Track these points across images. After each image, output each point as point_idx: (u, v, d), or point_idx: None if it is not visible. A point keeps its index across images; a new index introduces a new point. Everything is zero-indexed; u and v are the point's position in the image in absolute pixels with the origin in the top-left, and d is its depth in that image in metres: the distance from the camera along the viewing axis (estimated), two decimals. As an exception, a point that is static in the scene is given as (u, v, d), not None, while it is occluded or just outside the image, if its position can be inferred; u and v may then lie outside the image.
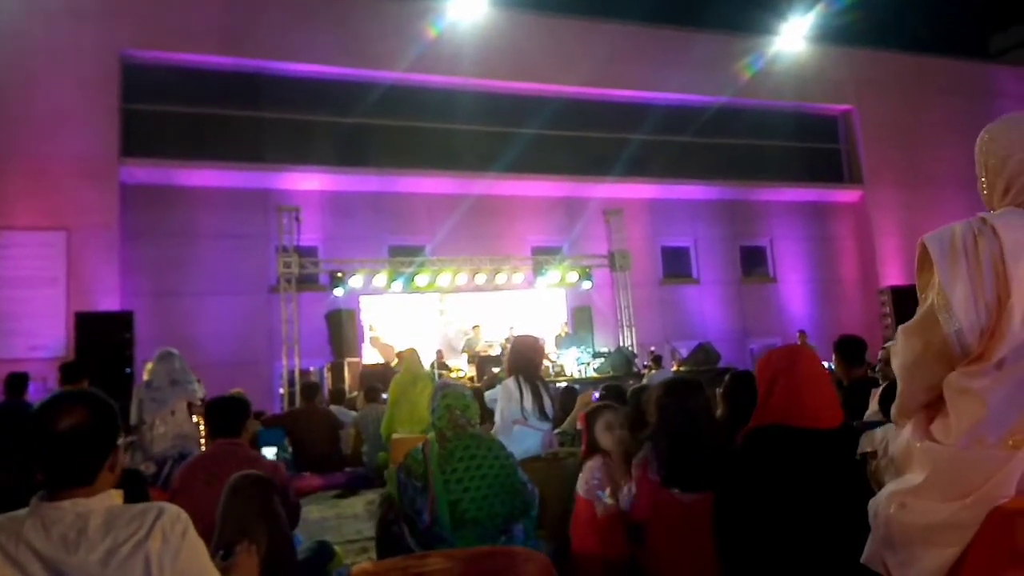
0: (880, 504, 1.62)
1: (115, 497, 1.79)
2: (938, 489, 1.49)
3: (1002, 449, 1.44)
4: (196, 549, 1.80)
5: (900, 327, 1.67)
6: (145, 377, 7.12)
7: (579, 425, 3.44)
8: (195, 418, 6.00)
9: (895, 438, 1.81)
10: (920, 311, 1.59)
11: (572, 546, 3.31)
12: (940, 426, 1.56)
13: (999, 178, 1.59)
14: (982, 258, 1.48)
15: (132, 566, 1.68)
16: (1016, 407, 1.45)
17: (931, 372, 1.56)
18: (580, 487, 3.30)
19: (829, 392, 2.50)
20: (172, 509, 1.78)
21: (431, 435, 3.40)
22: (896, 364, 1.68)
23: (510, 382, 4.74)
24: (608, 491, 3.20)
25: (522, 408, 4.61)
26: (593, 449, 3.39)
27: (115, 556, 1.67)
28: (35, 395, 7.67)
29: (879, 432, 2.27)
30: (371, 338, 13.05)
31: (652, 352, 12.05)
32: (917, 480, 1.54)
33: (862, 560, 1.69)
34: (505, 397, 4.63)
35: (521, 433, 4.51)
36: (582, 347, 12.58)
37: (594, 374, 11.45)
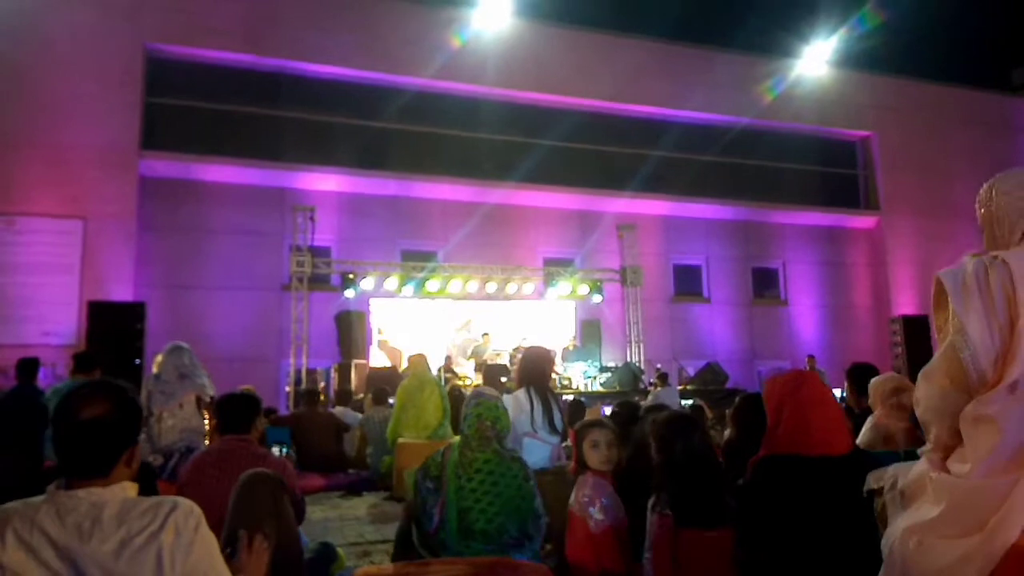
0: (896, 541, 1.60)
1: (130, 489, 1.80)
2: (954, 522, 1.48)
3: (1016, 472, 1.43)
4: (208, 544, 1.81)
5: (921, 372, 1.67)
6: (154, 370, 7.12)
7: (568, 442, 3.41)
8: (204, 413, 6.00)
9: (905, 474, 1.77)
10: (939, 351, 1.61)
11: (568, 560, 3.30)
12: (956, 458, 1.56)
13: (1017, 226, 1.63)
14: (993, 287, 1.52)
15: (144, 558, 1.69)
16: None
17: (958, 411, 1.55)
18: (572, 503, 3.29)
19: (836, 416, 2.49)
20: (185, 503, 1.80)
21: (456, 440, 3.38)
22: (920, 411, 1.68)
23: (520, 393, 4.71)
24: (599, 507, 3.19)
25: (532, 420, 4.58)
26: (583, 466, 3.39)
27: (128, 547, 1.69)
28: (44, 381, 7.71)
29: (890, 469, 2.25)
30: (379, 341, 13.06)
31: (658, 370, 12.02)
32: (932, 514, 1.53)
33: None
34: (516, 408, 4.56)
35: (531, 445, 4.47)
36: (589, 361, 12.56)
37: (600, 388, 11.43)
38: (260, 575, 2.22)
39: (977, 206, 1.73)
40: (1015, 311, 1.50)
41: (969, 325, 1.52)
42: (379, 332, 13.17)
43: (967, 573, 1.43)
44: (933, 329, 1.68)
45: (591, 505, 3.20)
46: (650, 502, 3.00)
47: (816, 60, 17.04)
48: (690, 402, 7.90)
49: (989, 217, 1.70)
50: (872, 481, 2.15)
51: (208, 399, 6.10)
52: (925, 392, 1.65)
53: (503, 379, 10.17)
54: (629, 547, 3.17)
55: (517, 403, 4.65)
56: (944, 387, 1.59)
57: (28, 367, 7.03)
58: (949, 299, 1.57)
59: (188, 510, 1.78)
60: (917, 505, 1.62)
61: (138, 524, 1.71)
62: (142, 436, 5.88)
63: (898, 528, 1.62)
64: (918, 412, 1.71)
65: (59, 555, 1.66)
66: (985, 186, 1.72)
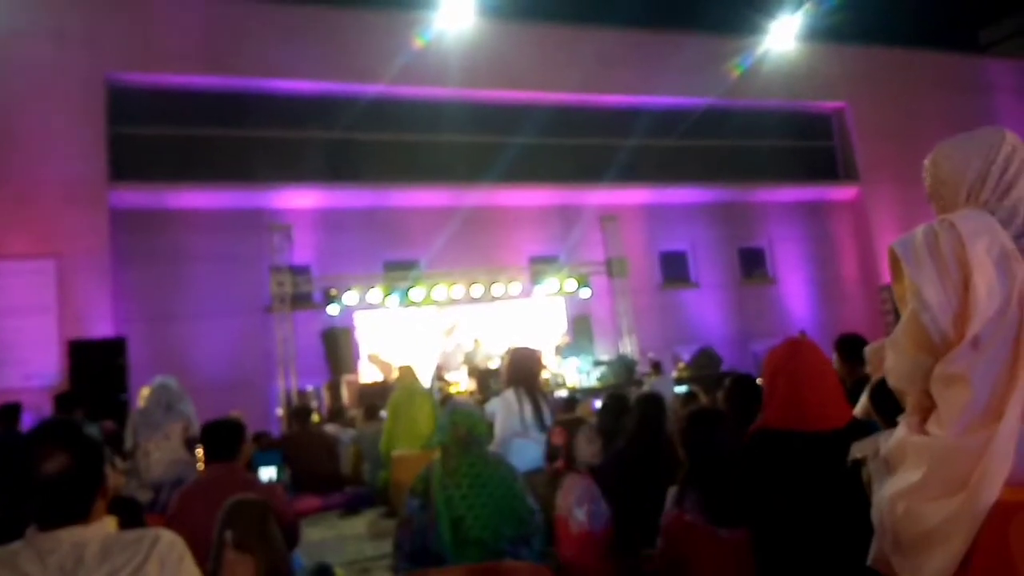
0: (884, 508, 1.62)
1: (110, 525, 1.82)
2: (937, 484, 1.51)
3: (990, 426, 1.46)
4: (193, 574, 1.82)
5: (887, 342, 1.74)
6: (140, 404, 7.07)
7: (556, 440, 3.39)
8: (198, 449, 5.91)
9: (886, 441, 1.80)
10: (902, 319, 1.65)
11: (560, 561, 3.29)
12: (933, 421, 1.59)
13: (959, 190, 1.69)
14: (944, 249, 1.57)
15: None
16: (998, 379, 1.48)
17: (928, 375, 1.60)
18: (560, 506, 3.26)
19: (833, 387, 2.47)
20: (168, 535, 1.80)
21: (436, 455, 3.37)
22: (892, 380, 1.73)
23: (509, 394, 4.72)
24: (585, 510, 3.17)
25: (522, 420, 4.60)
26: (572, 464, 3.37)
27: None
28: (29, 425, 7.59)
29: (871, 438, 2.20)
30: (369, 355, 12.93)
31: (651, 358, 11.97)
32: (915, 478, 1.55)
33: (868, 562, 1.72)
34: (504, 409, 4.62)
35: (522, 446, 4.47)
36: (582, 356, 12.50)
37: (595, 383, 11.39)
38: None
39: (924, 176, 1.79)
40: (967, 270, 1.54)
41: (924, 288, 1.57)
42: (369, 347, 13.03)
43: (955, 533, 1.45)
44: (900, 306, 1.72)
45: (578, 506, 3.18)
46: (671, 498, 2.94)
47: (784, 35, 17.05)
48: (684, 389, 7.84)
49: (935, 185, 1.76)
50: (856, 451, 2.16)
51: (192, 434, 6.04)
52: (894, 360, 1.69)
53: (495, 384, 10.11)
54: (613, 546, 3.15)
55: (506, 404, 4.67)
56: (911, 353, 1.63)
57: (8, 413, 6.94)
58: (903, 267, 1.63)
59: (171, 542, 1.79)
60: (901, 471, 1.64)
61: (121, 559, 1.71)
62: (130, 468, 5.76)
63: (885, 495, 1.64)
64: (890, 381, 1.75)
65: None
66: (928, 156, 1.79)
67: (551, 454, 3.41)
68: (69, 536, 1.73)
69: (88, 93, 12.12)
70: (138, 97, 12.85)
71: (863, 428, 2.45)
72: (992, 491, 1.42)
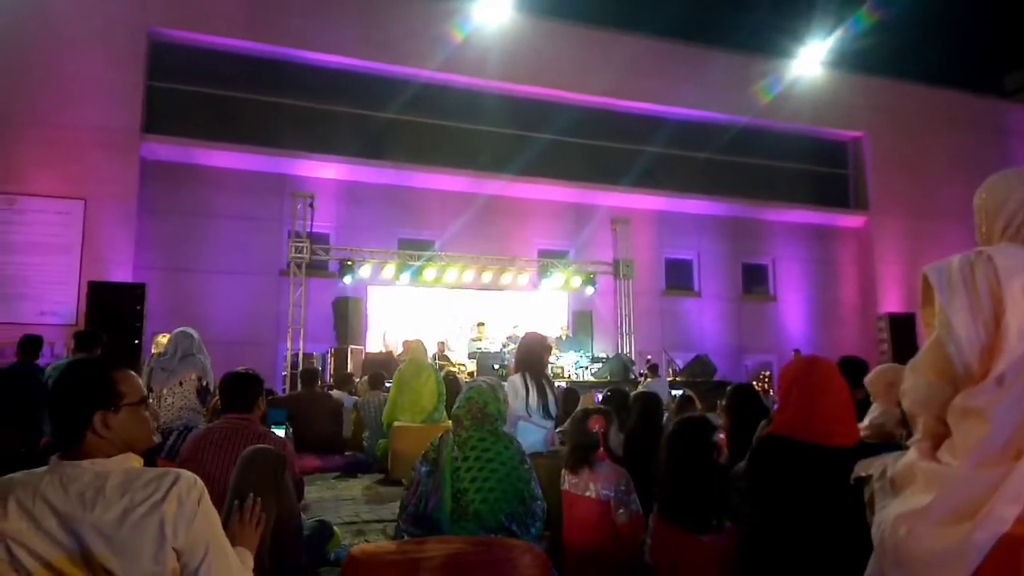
0: (886, 528, 1.60)
1: (134, 460, 1.82)
2: (945, 510, 1.49)
3: (1006, 463, 1.44)
4: (209, 516, 1.82)
5: (908, 365, 1.71)
6: (154, 350, 7.17)
7: (596, 427, 3.38)
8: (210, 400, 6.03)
9: (894, 463, 1.78)
10: (926, 344, 1.63)
11: (565, 542, 3.34)
12: (946, 449, 1.57)
13: (998, 218, 1.67)
14: (979, 282, 1.53)
15: (146, 527, 1.70)
16: (1019, 419, 1.46)
17: (944, 403, 1.57)
18: (593, 490, 3.29)
19: (845, 406, 2.45)
20: (188, 476, 1.80)
21: (449, 424, 3.43)
22: (907, 403, 1.70)
23: (516, 378, 4.75)
24: (633, 497, 3.24)
25: (527, 405, 4.64)
26: (611, 453, 3.39)
27: (130, 516, 1.70)
28: (43, 360, 7.77)
29: (879, 458, 2.24)
30: (384, 334, 13.18)
31: (648, 361, 12.21)
32: (923, 502, 1.53)
33: None
34: (512, 393, 4.59)
35: (525, 429, 4.54)
36: (581, 351, 12.72)
37: (592, 378, 11.57)
38: (255, 543, 2.23)
39: (976, 211, 1.78)
40: (1000, 306, 1.50)
41: (955, 319, 1.53)
42: (384, 330, 13.26)
43: (958, 560, 1.44)
44: (920, 324, 1.73)
45: (628, 494, 3.24)
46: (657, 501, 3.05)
47: (811, 60, 17.20)
48: (680, 392, 8.06)
49: (979, 215, 1.73)
50: (861, 469, 2.12)
51: (206, 384, 6.10)
52: (912, 384, 1.67)
53: (496, 367, 10.38)
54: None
55: (513, 387, 4.67)
56: (930, 379, 1.61)
57: (31, 344, 7.02)
58: (935, 294, 1.58)
59: (191, 482, 1.79)
60: (907, 493, 1.63)
61: (141, 494, 1.72)
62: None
63: (889, 516, 1.62)
64: (905, 404, 1.73)
65: (61, 523, 1.68)
66: (982, 187, 1.78)
67: (590, 441, 3.40)
68: (92, 466, 1.75)
69: (130, 44, 12.37)
70: (178, 54, 13.09)
71: (869, 449, 2.43)
72: (1004, 523, 1.40)
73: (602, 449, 3.36)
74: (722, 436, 2.99)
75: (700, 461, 2.93)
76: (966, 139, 18.36)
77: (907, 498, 1.60)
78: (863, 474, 2.12)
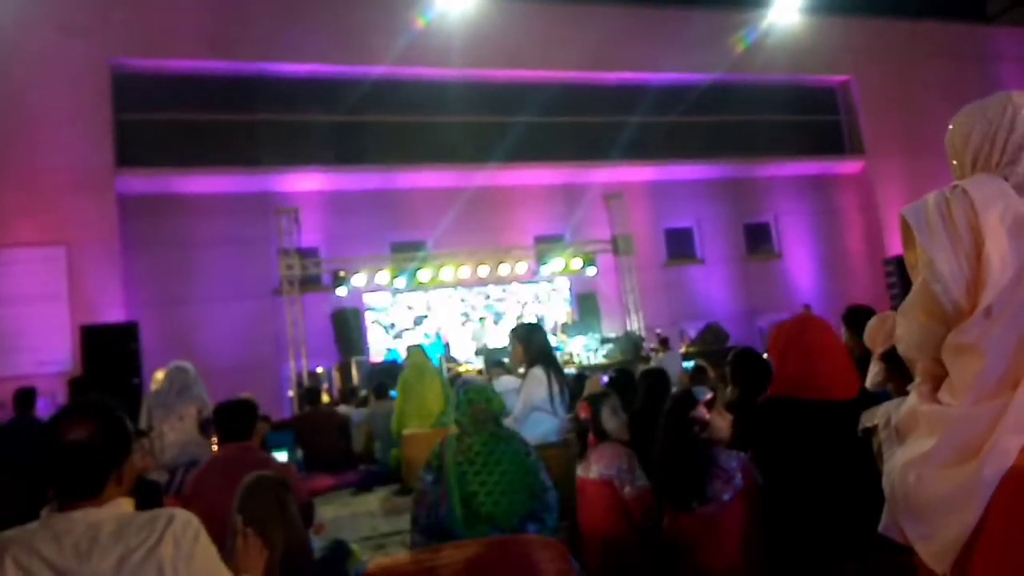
0: (895, 476, 1.61)
1: (125, 505, 1.81)
2: (949, 452, 1.49)
3: (1004, 395, 1.44)
4: (208, 553, 1.81)
5: (899, 310, 1.71)
6: (153, 387, 7.11)
7: (583, 414, 3.39)
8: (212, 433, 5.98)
9: (897, 411, 1.80)
10: (914, 288, 1.63)
11: (581, 529, 3.32)
12: (945, 389, 1.57)
13: (966, 154, 1.67)
14: (956, 217, 1.54)
15: (145, 572, 1.69)
16: (1012, 349, 1.46)
17: (938, 344, 1.58)
18: (595, 473, 3.27)
19: (843, 360, 2.50)
20: (182, 514, 1.80)
21: (452, 428, 3.41)
22: (903, 348, 1.72)
23: (538, 371, 4.66)
24: (638, 474, 3.23)
25: (550, 396, 4.56)
26: (602, 436, 3.37)
27: (127, 563, 1.69)
28: (44, 411, 7.70)
29: (882, 407, 2.24)
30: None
31: (659, 335, 12.03)
32: (927, 446, 1.53)
33: (879, 530, 1.71)
34: (535, 384, 4.57)
35: (537, 418, 4.48)
36: (589, 334, 12.57)
37: (603, 360, 11.45)
38: (259, 569, 2.20)
39: (946, 146, 1.78)
40: (979, 238, 1.51)
41: (936, 257, 1.54)
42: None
43: (968, 500, 1.43)
44: (912, 274, 1.68)
45: (630, 472, 3.22)
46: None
47: (788, 7, 16.93)
48: (692, 364, 7.88)
49: (950, 154, 1.74)
50: (866, 420, 2.15)
51: (206, 416, 6.06)
52: (905, 329, 1.68)
53: (505, 360, 10.18)
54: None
55: (536, 379, 4.62)
56: (921, 322, 1.61)
57: (25, 398, 7.04)
58: (915, 235, 1.59)
59: (186, 521, 1.78)
60: (912, 439, 1.62)
61: (136, 539, 1.71)
62: (137, 454, 5.86)
63: (896, 464, 1.62)
64: (900, 349, 1.74)
65: None
66: (949, 126, 1.77)
67: (580, 429, 3.43)
68: (84, 517, 1.74)
69: (93, 80, 12.17)
70: (142, 83, 12.89)
71: (873, 399, 2.48)
72: (1007, 458, 1.40)
73: (591, 435, 3.38)
74: (703, 409, 2.95)
75: (678, 438, 2.94)
76: (954, 69, 18.11)
77: (912, 444, 1.61)
78: (869, 424, 2.18)
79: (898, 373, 2.64)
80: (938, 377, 1.62)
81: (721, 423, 2.96)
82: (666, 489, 2.96)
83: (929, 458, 1.52)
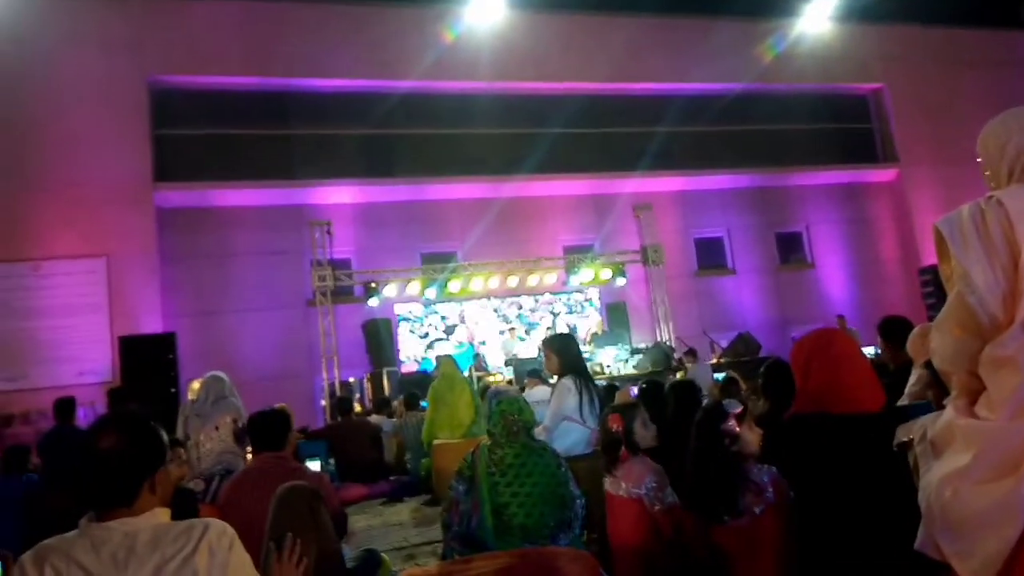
0: (932, 492, 1.58)
1: (162, 515, 1.82)
2: (987, 467, 1.46)
3: None
4: (243, 562, 1.82)
5: (933, 323, 1.68)
6: (189, 396, 7.21)
7: (614, 426, 3.32)
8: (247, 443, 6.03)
9: (933, 425, 1.74)
10: (948, 300, 1.60)
11: (611, 542, 3.29)
12: (983, 404, 1.54)
13: (1002, 164, 1.63)
14: (991, 228, 1.51)
15: None
16: None
17: (974, 357, 1.54)
18: (624, 490, 3.23)
19: (867, 372, 2.45)
20: (217, 524, 1.81)
21: (484, 440, 3.41)
22: (938, 362, 1.68)
23: (568, 381, 4.68)
24: (669, 490, 3.18)
25: (581, 406, 4.57)
26: (634, 449, 3.33)
27: (164, 572, 1.70)
28: (84, 420, 7.83)
29: (918, 421, 2.20)
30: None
31: (684, 346, 11.92)
32: (964, 461, 1.50)
33: (916, 546, 1.67)
34: (565, 394, 4.59)
35: (566, 428, 4.51)
36: (619, 344, 12.52)
37: (632, 371, 11.39)
38: None
39: (979, 149, 1.74)
40: (1016, 249, 1.48)
41: (972, 269, 1.51)
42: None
43: (1008, 515, 1.41)
44: (947, 287, 1.65)
45: (660, 489, 3.18)
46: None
47: (818, 15, 16.77)
48: (723, 375, 7.82)
49: (984, 163, 1.71)
50: (901, 434, 2.12)
51: (242, 425, 6.12)
52: (939, 342, 1.64)
53: (536, 371, 10.19)
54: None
55: (566, 390, 4.64)
56: (956, 335, 1.58)
57: (65, 407, 7.14)
58: (949, 246, 1.56)
59: (220, 530, 1.80)
60: (948, 454, 1.59)
61: (172, 549, 1.73)
62: (173, 463, 5.94)
63: (933, 479, 1.60)
64: (936, 363, 1.70)
65: None
66: (980, 133, 1.73)
67: (611, 441, 3.36)
68: (121, 526, 1.76)
69: (132, 96, 12.47)
70: (180, 99, 13.18)
71: (898, 412, 2.45)
72: None
73: (624, 448, 3.31)
74: (733, 422, 2.89)
75: (708, 450, 2.88)
76: (988, 77, 17.75)
77: (948, 459, 1.58)
78: (904, 439, 2.15)
79: (941, 382, 2.60)
80: (974, 391, 1.58)
81: (751, 437, 2.92)
82: (697, 501, 2.92)
83: (966, 473, 1.49)
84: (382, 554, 4.04)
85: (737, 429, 2.89)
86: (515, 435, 3.29)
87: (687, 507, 2.97)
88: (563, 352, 4.83)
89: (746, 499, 2.75)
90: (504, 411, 3.32)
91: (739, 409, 2.94)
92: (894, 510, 2.03)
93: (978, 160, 1.74)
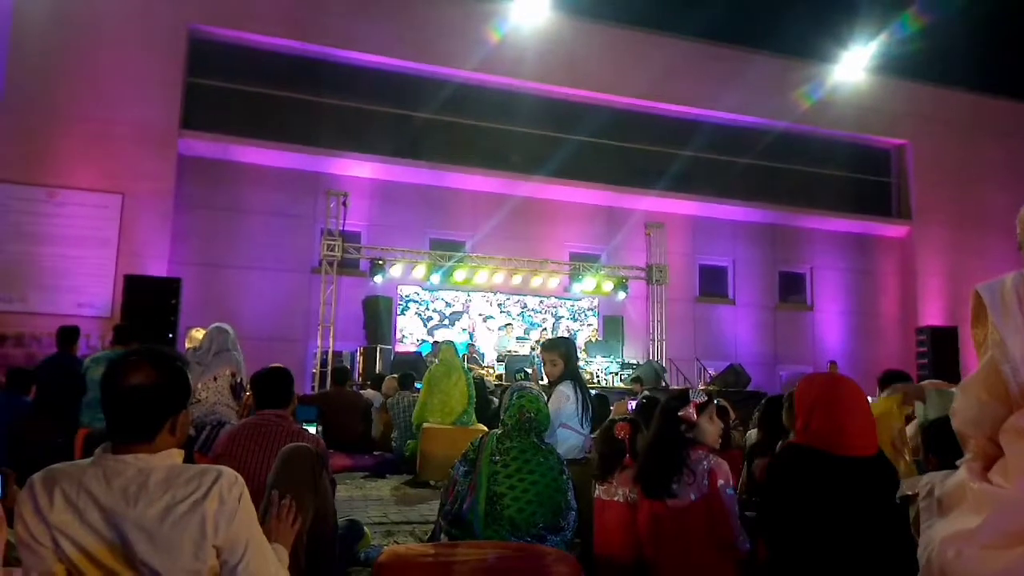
0: (934, 549, 1.58)
1: (176, 456, 1.83)
2: (996, 533, 1.47)
3: None
4: (249, 514, 1.83)
5: (959, 385, 1.70)
6: (188, 344, 7.22)
7: (620, 434, 3.38)
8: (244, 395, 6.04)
9: (942, 482, 1.75)
10: (980, 364, 1.61)
11: (596, 549, 3.34)
12: (998, 471, 1.54)
13: None
14: None
15: (188, 524, 1.71)
16: None
17: (996, 423, 1.55)
18: (621, 495, 3.28)
19: (868, 421, 2.50)
20: (230, 473, 1.81)
21: (496, 430, 3.43)
22: (957, 423, 1.68)
23: (567, 387, 4.68)
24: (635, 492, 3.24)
25: (578, 412, 4.59)
26: (636, 458, 3.37)
27: (173, 512, 1.71)
28: (79, 352, 7.84)
29: (925, 477, 2.23)
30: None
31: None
32: (973, 524, 1.51)
33: None
34: (564, 400, 4.58)
35: (564, 434, 4.51)
36: (611, 356, 12.60)
37: (622, 384, 11.45)
38: (291, 539, 2.22)
39: (1017, 223, 1.74)
40: None
41: (1009, 338, 1.51)
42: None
43: None
44: (971, 343, 1.67)
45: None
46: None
47: (854, 65, 16.84)
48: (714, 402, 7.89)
49: (1021, 230, 1.71)
50: (907, 488, 2.13)
51: (239, 380, 6.11)
52: (963, 404, 1.65)
53: (528, 369, 10.28)
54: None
55: (564, 395, 4.64)
56: (982, 399, 1.59)
57: (69, 335, 7.09)
58: (988, 313, 1.57)
59: (232, 479, 1.80)
60: (956, 514, 1.60)
61: (183, 491, 1.74)
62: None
63: (936, 536, 1.61)
64: (955, 423, 1.70)
65: (104, 517, 1.70)
66: (1022, 209, 1.74)
67: (615, 449, 3.39)
68: (136, 462, 1.75)
69: (171, 41, 12.51)
70: (218, 51, 13.23)
71: (888, 459, 2.49)
72: None
73: (628, 456, 3.36)
74: (692, 410, 3.02)
75: (665, 431, 3.02)
76: (1013, 149, 17.91)
77: (955, 519, 1.58)
78: (910, 492, 2.14)
79: (939, 449, 2.62)
80: (991, 456, 1.58)
81: (710, 428, 3.05)
82: (642, 478, 3.02)
83: (973, 536, 1.49)
84: (364, 526, 4.09)
85: (695, 418, 3.02)
86: (526, 431, 3.32)
87: (634, 479, 3.08)
88: (570, 358, 4.85)
89: (683, 484, 2.88)
90: (523, 406, 3.36)
91: (703, 400, 3.06)
92: (886, 555, 2.07)
93: (1017, 233, 1.75)
